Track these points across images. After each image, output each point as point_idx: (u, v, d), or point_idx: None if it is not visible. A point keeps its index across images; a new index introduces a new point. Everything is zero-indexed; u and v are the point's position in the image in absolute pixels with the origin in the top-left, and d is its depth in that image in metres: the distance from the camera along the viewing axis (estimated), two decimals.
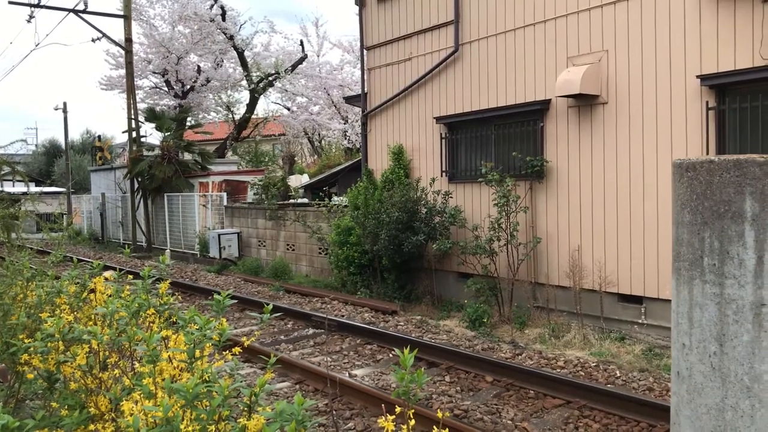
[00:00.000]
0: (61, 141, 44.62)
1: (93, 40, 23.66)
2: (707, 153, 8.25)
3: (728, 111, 8.13)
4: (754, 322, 1.09)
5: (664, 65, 8.68)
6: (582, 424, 6.16)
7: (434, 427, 1.98)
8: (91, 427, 3.05)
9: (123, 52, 23.57)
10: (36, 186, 38.81)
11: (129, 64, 23.15)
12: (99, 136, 36.18)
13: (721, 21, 8.07)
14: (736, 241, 1.09)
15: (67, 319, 3.48)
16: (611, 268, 9.29)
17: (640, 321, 9.00)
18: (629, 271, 9.10)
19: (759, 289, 1.09)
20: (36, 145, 55.76)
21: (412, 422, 1.99)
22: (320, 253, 15.14)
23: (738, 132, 8.05)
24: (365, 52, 14.12)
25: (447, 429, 2.05)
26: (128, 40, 23.05)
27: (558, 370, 7.63)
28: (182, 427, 2.16)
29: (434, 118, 12.19)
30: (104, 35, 23.54)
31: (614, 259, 9.28)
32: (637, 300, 9.09)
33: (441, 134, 12.14)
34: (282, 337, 9.85)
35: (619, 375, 7.45)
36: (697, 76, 8.24)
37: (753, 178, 1.09)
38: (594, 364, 7.84)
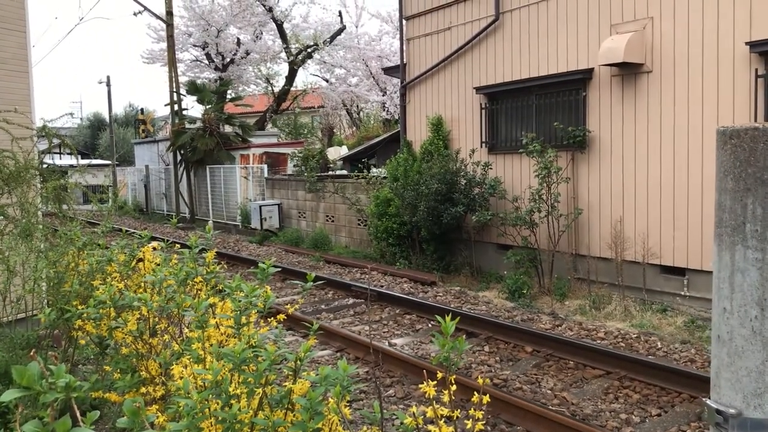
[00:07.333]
0: (105, 114, 45.38)
1: (135, 14, 24.00)
2: (755, 122, 8.03)
3: None
4: None
5: (711, 32, 8.44)
6: (622, 394, 6.16)
7: (474, 393, 2.01)
8: (143, 389, 3.19)
9: (164, 25, 23.83)
10: (82, 158, 39.71)
11: (170, 38, 23.41)
12: (142, 109, 36.81)
13: None
14: None
15: (117, 286, 3.61)
16: (654, 240, 9.17)
17: (682, 293, 8.89)
18: (672, 242, 8.98)
19: None
20: (81, 119, 56.87)
21: (454, 387, 2.04)
22: (359, 224, 15.24)
23: None
24: (404, 22, 14.01)
25: (487, 395, 2.09)
26: (169, 13, 23.30)
27: (598, 341, 7.61)
28: (231, 389, 2.25)
29: (474, 88, 12.08)
30: (146, 8, 23.80)
31: (657, 231, 9.16)
32: (679, 272, 8.97)
33: (481, 104, 12.04)
34: (323, 306, 10.01)
35: (660, 346, 7.39)
36: (746, 43, 8.00)
37: None
38: (635, 336, 7.79)
